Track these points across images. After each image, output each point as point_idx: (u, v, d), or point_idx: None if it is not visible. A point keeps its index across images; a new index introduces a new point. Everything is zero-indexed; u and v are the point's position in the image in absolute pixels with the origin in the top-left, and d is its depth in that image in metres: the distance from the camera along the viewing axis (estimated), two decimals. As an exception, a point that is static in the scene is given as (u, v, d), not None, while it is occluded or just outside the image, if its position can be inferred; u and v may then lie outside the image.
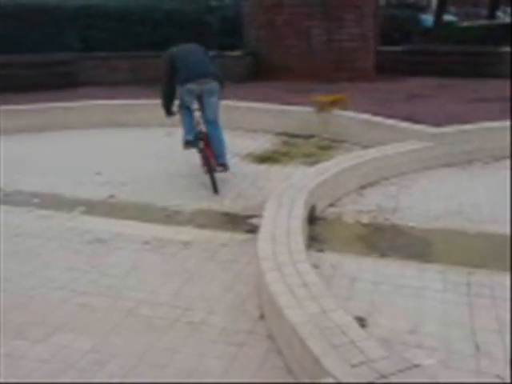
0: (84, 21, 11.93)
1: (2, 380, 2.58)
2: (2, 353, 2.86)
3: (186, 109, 5.67)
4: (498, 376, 2.59)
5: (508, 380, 2.39)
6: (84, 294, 3.47)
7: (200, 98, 5.57)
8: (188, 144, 5.57)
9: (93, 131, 8.07)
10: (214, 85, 5.63)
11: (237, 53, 12.11)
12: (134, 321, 3.17)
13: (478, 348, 2.82)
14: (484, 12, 27.62)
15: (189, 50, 5.81)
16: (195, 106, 5.58)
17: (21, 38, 11.20)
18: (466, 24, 20.85)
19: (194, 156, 5.79)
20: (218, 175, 5.44)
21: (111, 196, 5.35)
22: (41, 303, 3.36)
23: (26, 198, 5.32)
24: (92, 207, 5.07)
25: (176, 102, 5.84)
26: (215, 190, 5.33)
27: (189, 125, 5.61)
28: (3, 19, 11.11)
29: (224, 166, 5.44)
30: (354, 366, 2.24)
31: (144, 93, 8.72)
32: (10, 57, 10.48)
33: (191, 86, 5.52)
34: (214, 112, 5.66)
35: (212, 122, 5.61)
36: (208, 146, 5.48)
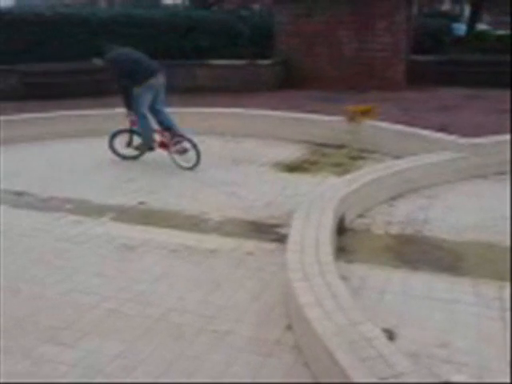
0: (117, 29, 12.11)
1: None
2: (33, 356, 2.91)
3: (143, 118, 6.54)
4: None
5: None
6: (113, 299, 3.51)
7: (156, 94, 6.50)
8: (150, 149, 6.75)
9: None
10: (163, 79, 6.56)
11: (268, 61, 12.16)
12: (162, 328, 3.19)
13: (510, 364, 2.76)
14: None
15: (131, 52, 6.76)
16: (146, 111, 6.53)
17: (61, 47, 11.44)
18: (499, 33, 20.51)
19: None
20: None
21: (141, 203, 5.41)
22: (71, 308, 3.41)
23: (59, 203, 5.41)
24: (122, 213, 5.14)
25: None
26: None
27: (149, 132, 6.64)
28: (43, 27, 11.38)
29: (183, 136, 6.47)
30: (381, 379, 2.21)
31: (175, 100, 8.81)
32: (51, 65, 10.75)
33: (153, 80, 6.40)
34: (164, 102, 6.69)
35: (163, 111, 6.65)
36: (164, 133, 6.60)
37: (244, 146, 7.73)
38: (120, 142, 6.88)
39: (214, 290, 3.64)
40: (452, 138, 6.44)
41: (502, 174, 6.11)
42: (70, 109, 8.80)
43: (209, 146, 7.74)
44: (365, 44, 11.64)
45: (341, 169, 6.44)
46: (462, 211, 5.06)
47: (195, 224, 4.88)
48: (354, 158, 6.99)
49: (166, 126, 6.57)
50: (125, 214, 5.12)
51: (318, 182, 5.84)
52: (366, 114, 7.64)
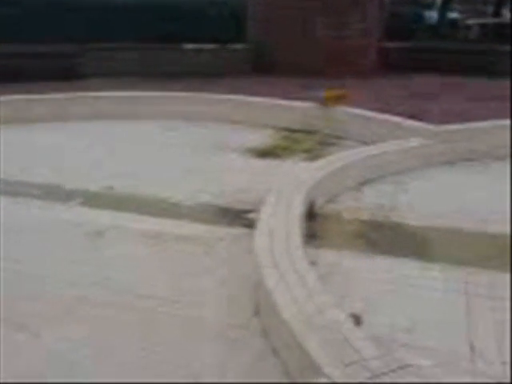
0: (90, 12, 11.91)
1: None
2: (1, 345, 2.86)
3: None
4: (492, 377, 2.58)
5: (507, 380, 2.38)
6: (80, 286, 3.46)
7: None
8: None
9: (93, 123, 8.05)
10: None
11: (240, 46, 12.07)
12: (130, 314, 3.16)
13: (473, 349, 2.81)
14: (490, 10, 27.46)
15: None
16: None
17: (29, 28, 11.19)
18: (470, 21, 20.71)
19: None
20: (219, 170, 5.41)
21: (110, 187, 5.34)
22: (38, 296, 3.36)
23: (27, 188, 5.31)
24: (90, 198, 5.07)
25: None
26: None
27: None
28: (12, 8, 11.11)
29: None
30: (347, 364, 2.23)
31: (148, 85, 8.71)
32: (17, 47, 10.46)
33: None
34: None
35: None
36: None
37: (214, 132, 7.67)
38: None
39: (182, 276, 3.62)
40: (422, 124, 6.50)
41: (471, 160, 6.19)
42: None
43: (179, 131, 7.69)
44: (338, 31, 11.63)
45: (312, 155, 6.45)
46: (431, 197, 5.12)
47: (165, 210, 4.84)
48: (325, 144, 7.00)
49: None
50: (94, 199, 5.05)
51: (289, 168, 5.85)
52: (337, 99, 7.65)
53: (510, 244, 4.01)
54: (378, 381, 2.02)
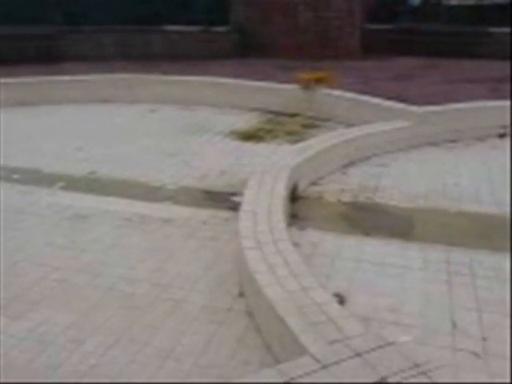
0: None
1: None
2: (-22, 329, 2.84)
3: None
4: (472, 352, 2.63)
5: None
6: (63, 269, 3.45)
7: None
8: None
9: (74, 106, 7.96)
10: None
11: (223, 28, 11.96)
12: (113, 297, 3.16)
13: (454, 325, 2.85)
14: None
15: None
16: None
17: (4, 10, 10.96)
18: (454, 3, 20.70)
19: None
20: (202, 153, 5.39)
21: (92, 172, 5.29)
22: (20, 279, 3.33)
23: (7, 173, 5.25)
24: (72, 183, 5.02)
25: None
26: None
27: None
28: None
29: None
30: (330, 342, 2.25)
31: (129, 67, 8.62)
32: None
33: None
34: None
35: None
36: None
37: (198, 115, 7.63)
38: None
39: (166, 259, 3.61)
40: (404, 106, 6.51)
41: (454, 141, 6.23)
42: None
43: (163, 114, 7.64)
44: (320, 12, 11.56)
45: (295, 137, 6.44)
46: (413, 179, 5.15)
47: (148, 193, 4.81)
48: (308, 127, 6.99)
49: None
50: (75, 183, 5.01)
51: (273, 151, 5.84)
52: (320, 81, 7.63)
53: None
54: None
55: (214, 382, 2.52)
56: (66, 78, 8.49)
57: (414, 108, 6.40)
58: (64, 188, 4.89)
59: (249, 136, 6.60)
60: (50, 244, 3.80)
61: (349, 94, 7.20)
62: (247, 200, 3.92)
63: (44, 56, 10.24)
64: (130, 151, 5.98)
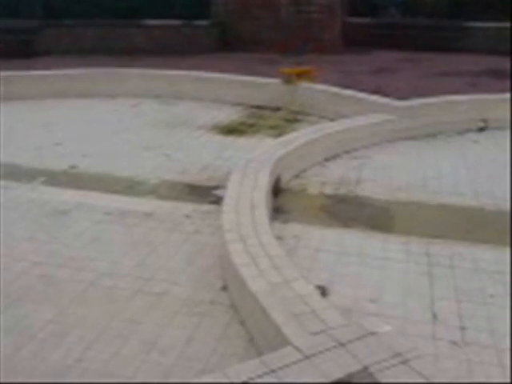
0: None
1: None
2: (-41, 325, 2.82)
3: None
4: (451, 341, 2.68)
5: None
6: (44, 264, 3.43)
7: None
8: None
9: (53, 101, 7.87)
10: None
11: (205, 22, 11.92)
12: (96, 292, 3.15)
13: (435, 316, 2.90)
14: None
15: None
16: None
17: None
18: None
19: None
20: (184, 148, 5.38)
21: (73, 167, 5.26)
22: (1, 274, 3.31)
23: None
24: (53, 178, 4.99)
25: None
26: None
27: None
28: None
29: None
30: (313, 334, 2.27)
31: (110, 62, 8.55)
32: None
33: None
34: None
35: None
36: None
37: (180, 109, 7.60)
38: None
39: (149, 253, 3.61)
40: (385, 100, 6.56)
41: (433, 135, 6.30)
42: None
43: (144, 108, 7.60)
44: (301, 6, 11.58)
45: (277, 131, 6.45)
46: (394, 172, 5.20)
47: (130, 187, 4.80)
48: (290, 121, 7.01)
49: None
50: (56, 178, 4.97)
51: (255, 145, 5.84)
52: (302, 76, 7.65)
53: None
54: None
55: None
56: (47, 72, 8.38)
57: (395, 102, 6.45)
58: (44, 183, 4.85)
59: (231, 130, 6.60)
60: (31, 239, 3.77)
61: (331, 88, 7.23)
62: (230, 194, 3.93)
63: (24, 50, 10.10)
64: (110, 146, 5.94)
